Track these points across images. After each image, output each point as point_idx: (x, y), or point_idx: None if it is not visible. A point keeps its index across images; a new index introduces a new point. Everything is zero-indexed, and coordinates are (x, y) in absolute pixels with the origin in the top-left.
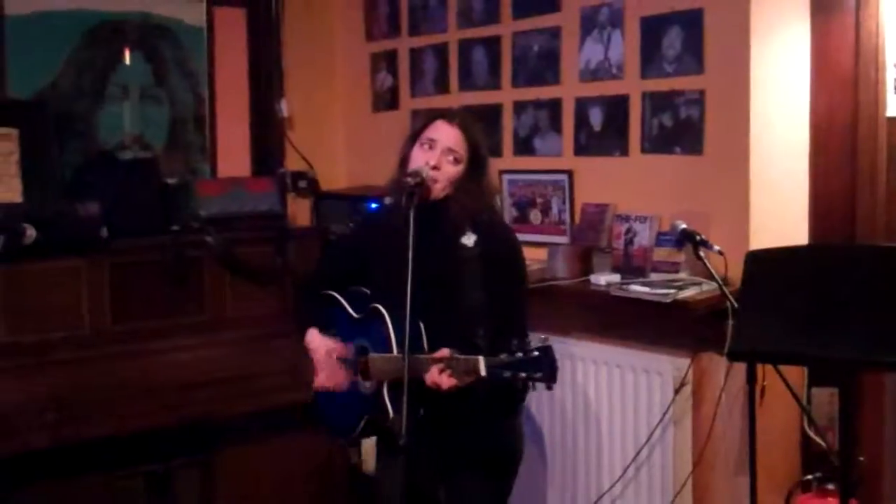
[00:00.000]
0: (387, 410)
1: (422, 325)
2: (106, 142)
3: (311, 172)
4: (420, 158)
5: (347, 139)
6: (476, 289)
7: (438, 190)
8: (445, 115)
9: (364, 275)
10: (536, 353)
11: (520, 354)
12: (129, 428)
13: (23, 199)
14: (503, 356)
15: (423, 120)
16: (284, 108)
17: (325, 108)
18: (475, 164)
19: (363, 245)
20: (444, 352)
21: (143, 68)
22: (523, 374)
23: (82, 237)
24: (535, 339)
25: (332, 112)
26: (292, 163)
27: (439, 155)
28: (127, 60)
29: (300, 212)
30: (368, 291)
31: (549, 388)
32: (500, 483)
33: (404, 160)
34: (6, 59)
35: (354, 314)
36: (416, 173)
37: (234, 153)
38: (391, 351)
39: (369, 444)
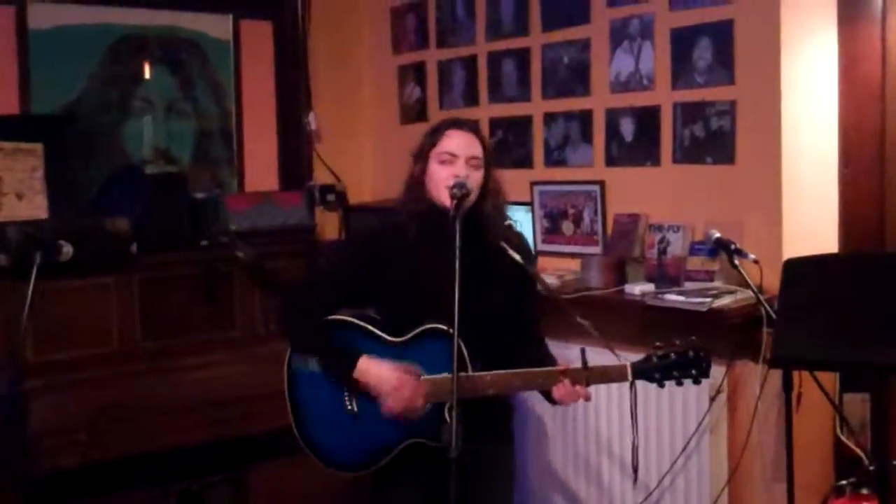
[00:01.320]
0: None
1: (471, 338)
2: (132, 156)
3: (339, 185)
4: (447, 174)
5: (375, 152)
6: (521, 304)
7: (470, 200)
8: (453, 123)
9: (365, 294)
10: (692, 352)
11: (673, 356)
12: (161, 446)
13: (48, 215)
14: (654, 359)
15: (431, 134)
16: (312, 121)
17: (353, 121)
18: (488, 165)
19: (373, 261)
20: (565, 364)
21: (169, 82)
22: (676, 374)
23: (112, 253)
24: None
25: (360, 125)
26: (320, 176)
27: (464, 166)
28: (151, 74)
29: (327, 225)
30: (370, 313)
31: (698, 381)
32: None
33: (418, 177)
34: (30, 73)
35: (389, 337)
36: (462, 185)
37: (261, 167)
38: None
39: None
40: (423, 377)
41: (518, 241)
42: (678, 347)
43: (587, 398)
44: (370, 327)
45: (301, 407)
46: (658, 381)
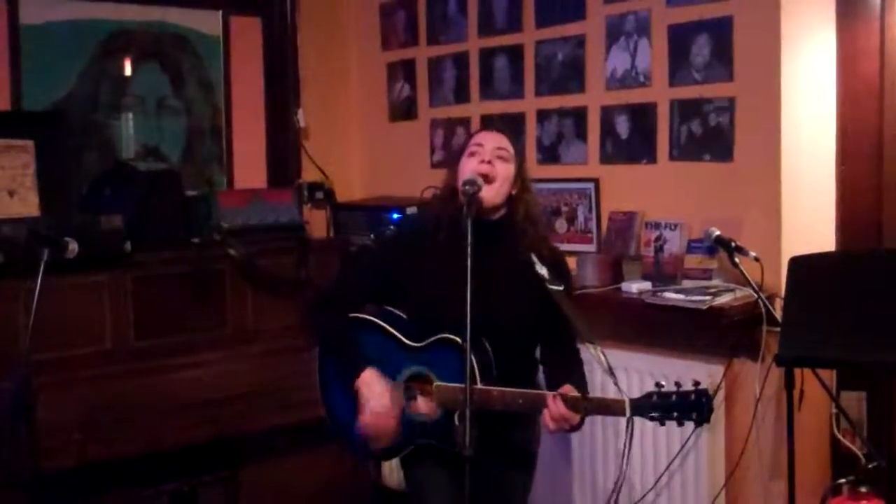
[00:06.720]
0: (454, 438)
1: (490, 350)
2: (122, 153)
3: (327, 183)
4: (471, 164)
5: (363, 149)
6: (544, 317)
7: (496, 190)
8: (484, 126)
9: (394, 293)
10: (693, 395)
11: (674, 397)
12: (155, 446)
13: (40, 213)
14: (654, 398)
15: (465, 140)
16: (301, 118)
17: (341, 119)
18: (523, 175)
19: (401, 261)
20: (567, 388)
21: (159, 78)
22: (675, 415)
23: (106, 251)
24: (683, 377)
25: (348, 122)
26: (308, 173)
27: (490, 154)
28: (142, 71)
29: (315, 223)
30: (400, 312)
31: (699, 425)
32: (530, 476)
33: (451, 182)
34: (21, 69)
35: (409, 342)
36: (472, 181)
37: (250, 164)
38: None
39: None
40: (435, 384)
41: (553, 257)
42: (681, 388)
43: (573, 427)
44: (391, 329)
45: (328, 388)
46: (656, 419)
